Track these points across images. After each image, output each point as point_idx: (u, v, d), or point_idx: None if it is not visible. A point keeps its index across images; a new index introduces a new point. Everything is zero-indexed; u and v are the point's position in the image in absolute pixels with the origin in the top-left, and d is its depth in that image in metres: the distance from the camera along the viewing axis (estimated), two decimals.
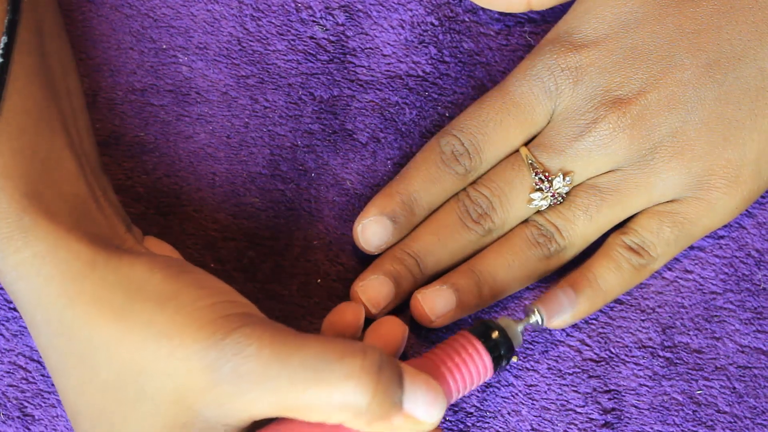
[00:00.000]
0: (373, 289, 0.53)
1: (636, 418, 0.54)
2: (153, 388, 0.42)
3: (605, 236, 0.54)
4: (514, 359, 0.54)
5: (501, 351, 0.48)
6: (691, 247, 0.55)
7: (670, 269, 0.55)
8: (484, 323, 0.48)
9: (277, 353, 0.41)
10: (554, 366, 0.54)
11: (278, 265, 0.54)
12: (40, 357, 0.52)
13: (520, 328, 0.49)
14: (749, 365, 0.54)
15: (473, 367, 0.47)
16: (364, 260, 0.54)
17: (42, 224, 0.44)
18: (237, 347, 0.41)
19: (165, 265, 0.44)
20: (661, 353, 0.54)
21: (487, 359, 0.47)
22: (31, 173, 0.45)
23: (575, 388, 0.54)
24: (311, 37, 0.57)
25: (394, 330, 0.49)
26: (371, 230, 0.53)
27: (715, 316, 0.55)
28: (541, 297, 0.51)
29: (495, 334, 0.48)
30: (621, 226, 0.54)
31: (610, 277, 0.53)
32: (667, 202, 0.53)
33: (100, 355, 0.43)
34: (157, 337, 0.42)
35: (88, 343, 0.43)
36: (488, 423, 0.54)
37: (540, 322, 0.50)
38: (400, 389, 0.42)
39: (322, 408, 0.41)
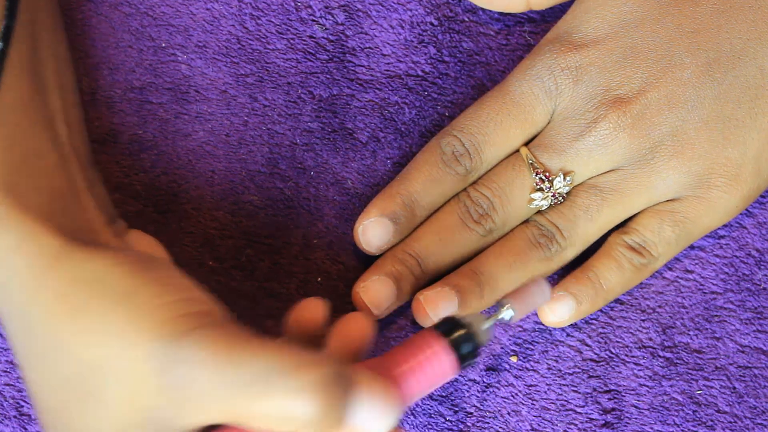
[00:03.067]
0: (375, 289, 0.52)
1: (636, 418, 0.54)
2: (108, 387, 0.41)
3: (606, 236, 0.54)
4: (514, 359, 0.54)
5: (466, 349, 0.45)
6: (692, 247, 0.55)
7: (670, 269, 0.55)
8: (449, 320, 0.46)
9: (230, 360, 0.40)
10: (554, 366, 0.54)
11: (277, 263, 0.54)
12: None
13: (488, 324, 0.46)
14: (749, 365, 0.54)
15: (436, 366, 0.45)
16: (365, 260, 0.54)
17: (13, 216, 0.43)
18: (189, 350, 0.41)
19: (129, 261, 0.43)
20: (661, 353, 0.54)
21: (451, 358, 0.45)
22: (6, 165, 0.44)
23: (575, 388, 0.54)
24: (311, 36, 0.57)
25: (359, 327, 0.47)
26: (372, 231, 0.53)
27: (716, 316, 0.55)
28: (512, 291, 0.48)
29: (460, 332, 0.45)
30: (621, 225, 0.54)
31: (611, 277, 0.53)
32: (668, 201, 0.53)
33: (60, 350, 0.42)
34: (113, 335, 0.41)
35: (48, 339, 0.42)
36: (488, 423, 0.54)
37: (511, 317, 0.47)
38: (352, 401, 0.41)
39: (271, 419, 0.41)
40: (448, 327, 0.45)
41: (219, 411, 0.41)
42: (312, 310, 0.47)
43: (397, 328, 0.54)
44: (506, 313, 0.47)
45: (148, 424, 0.41)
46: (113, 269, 0.43)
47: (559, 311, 0.53)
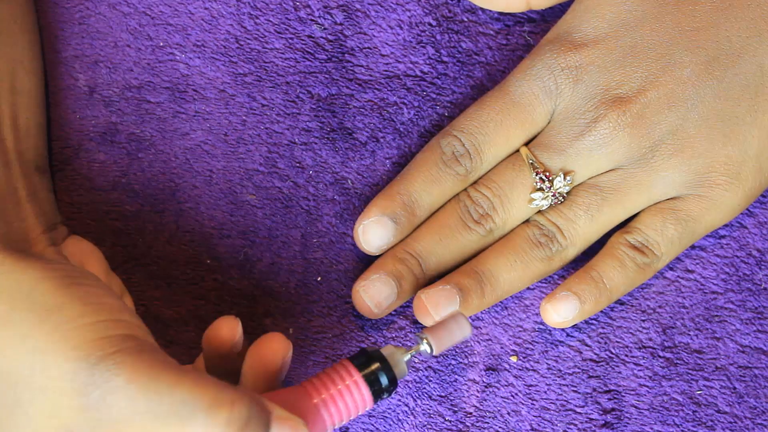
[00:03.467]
0: (375, 288, 0.52)
1: (636, 419, 0.53)
2: (28, 401, 0.41)
3: (607, 235, 0.54)
4: (514, 359, 0.54)
5: (381, 383, 0.46)
6: (693, 247, 0.55)
7: (671, 269, 0.55)
8: (365, 352, 0.46)
9: (145, 389, 0.40)
10: (554, 366, 0.54)
11: (276, 262, 0.54)
12: None
13: (405, 358, 0.47)
14: (750, 365, 0.54)
15: (350, 399, 0.45)
16: (365, 259, 0.54)
17: None
18: (106, 375, 0.40)
19: (57, 275, 0.43)
20: (661, 353, 0.54)
21: (366, 391, 0.46)
22: None
23: (575, 388, 0.54)
24: (309, 36, 0.57)
25: (275, 349, 0.47)
26: (372, 231, 0.53)
27: (716, 316, 0.55)
28: (432, 326, 0.48)
29: (375, 365, 0.46)
30: (622, 225, 0.54)
31: (614, 276, 0.53)
32: (670, 199, 0.53)
33: None
34: (34, 351, 0.41)
35: None
36: (488, 423, 0.53)
37: (429, 352, 0.47)
38: None
39: None
40: (364, 360, 0.46)
41: None
42: (227, 328, 0.47)
43: (397, 328, 0.54)
44: (424, 348, 0.47)
45: None
46: (40, 284, 0.42)
47: (563, 311, 0.53)
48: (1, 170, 0.47)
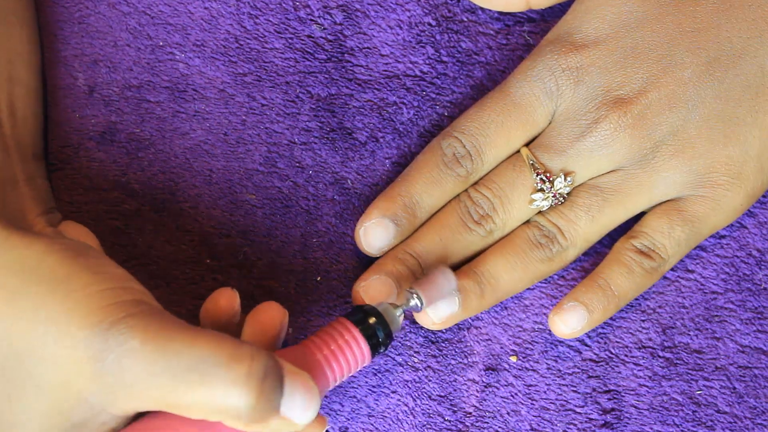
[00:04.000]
0: (375, 289, 0.52)
1: (636, 419, 0.53)
2: (39, 373, 0.42)
3: (607, 237, 0.54)
4: (513, 359, 0.54)
5: (379, 337, 0.47)
6: None
7: (671, 269, 0.55)
8: (361, 308, 0.48)
9: (161, 349, 0.41)
10: (554, 366, 0.54)
11: (275, 261, 0.54)
12: None
13: (398, 312, 0.48)
14: (749, 365, 0.54)
15: (350, 354, 0.47)
16: (365, 259, 0.54)
17: None
18: (120, 338, 0.41)
19: (62, 248, 0.43)
20: (661, 353, 0.54)
21: (364, 345, 0.47)
22: None
23: (575, 388, 0.54)
24: (309, 36, 0.57)
25: (273, 316, 0.48)
26: (373, 233, 0.53)
27: (716, 316, 0.55)
28: (419, 280, 0.50)
29: (372, 320, 0.47)
30: (628, 227, 0.54)
31: (622, 283, 0.53)
32: (673, 201, 0.53)
33: None
34: (46, 322, 0.41)
35: None
36: (487, 423, 0.53)
37: (419, 305, 0.49)
38: (280, 395, 0.43)
39: (203, 409, 0.41)
40: (360, 315, 0.47)
41: (151, 399, 0.41)
42: (225, 299, 0.48)
43: None
44: (414, 302, 0.49)
45: (82, 408, 0.42)
46: (47, 256, 0.43)
47: (571, 322, 0.52)
48: (0, 154, 0.47)
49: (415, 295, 0.49)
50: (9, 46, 0.51)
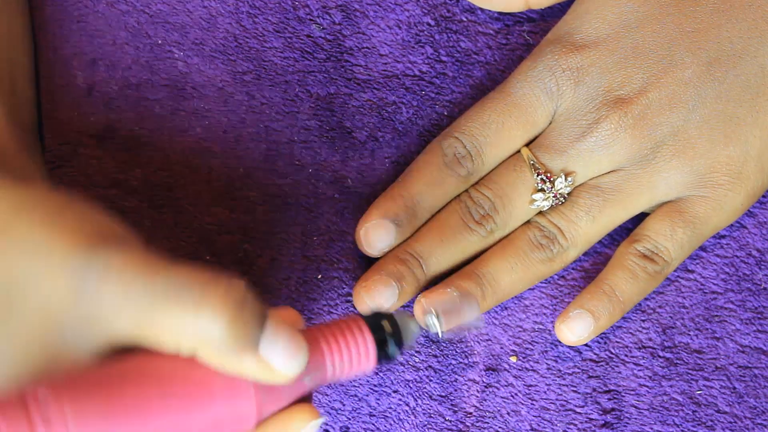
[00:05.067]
0: (376, 289, 0.52)
1: (636, 419, 0.53)
2: (22, 303, 0.41)
3: (608, 236, 0.54)
4: (513, 359, 0.54)
5: (388, 347, 0.45)
6: None
7: None
8: (380, 315, 0.46)
9: (141, 273, 0.40)
10: (554, 366, 0.54)
11: (276, 259, 0.54)
12: None
13: (415, 329, 0.46)
14: (749, 365, 0.54)
15: (354, 350, 0.44)
16: (366, 258, 0.54)
17: None
18: (103, 261, 0.41)
19: (49, 190, 0.44)
20: (661, 353, 0.54)
21: (372, 348, 0.44)
22: None
23: (575, 388, 0.54)
24: (308, 36, 0.57)
25: (296, 320, 0.46)
26: (374, 233, 0.53)
27: (716, 316, 0.55)
28: (446, 307, 0.48)
29: (387, 328, 0.45)
30: (630, 230, 0.54)
31: (626, 288, 0.53)
32: (674, 202, 0.53)
33: None
34: (33, 251, 0.41)
35: None
36: (488, 423, 0.53)
37: (437, 335, 0.48)
38: (259, 330, 0.41)
39: (175, 333, 0.40)
40: (376, 321, 0.45)
41: (126, 324, 0.41)
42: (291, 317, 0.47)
43: None
44: (435, 329, 0.47)
45: (59, 341, 0.41)
46: (45, 195, 0.43)
47: (577, 330, 0.52)
48: (5, 125, 0.48)
49: (436, 320, 0.47)
50: (12, 30, 0.51)
